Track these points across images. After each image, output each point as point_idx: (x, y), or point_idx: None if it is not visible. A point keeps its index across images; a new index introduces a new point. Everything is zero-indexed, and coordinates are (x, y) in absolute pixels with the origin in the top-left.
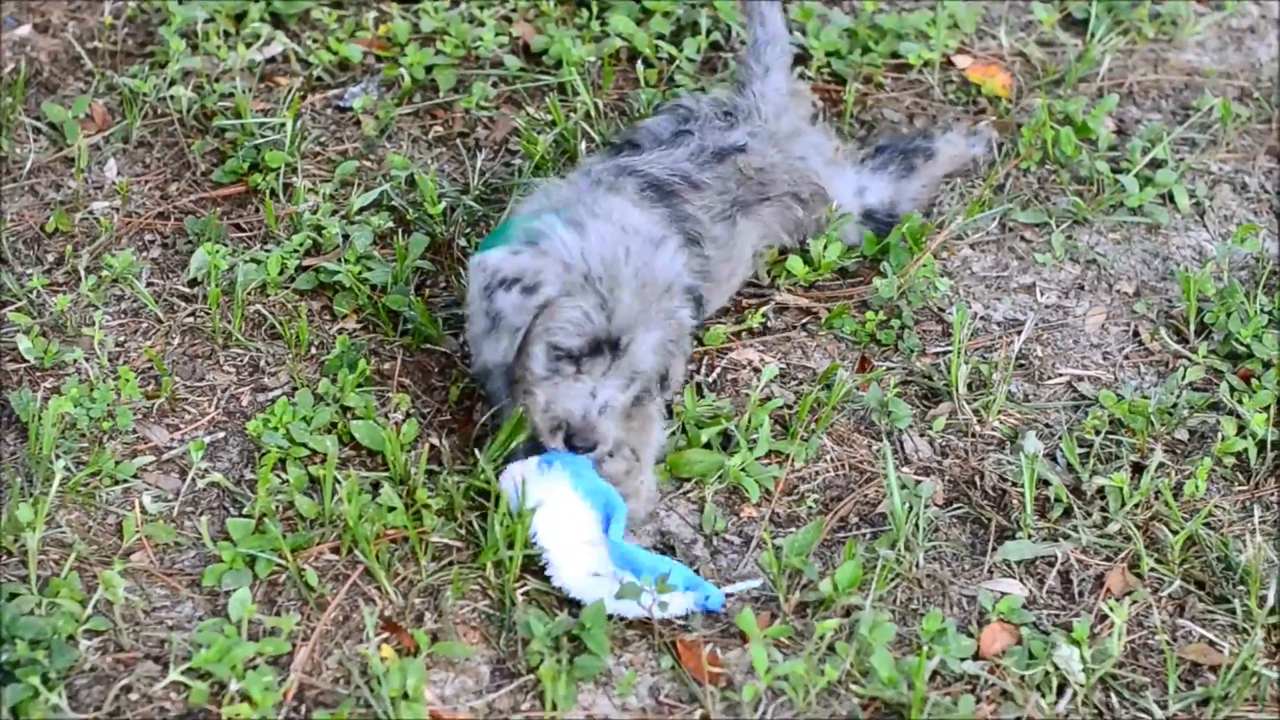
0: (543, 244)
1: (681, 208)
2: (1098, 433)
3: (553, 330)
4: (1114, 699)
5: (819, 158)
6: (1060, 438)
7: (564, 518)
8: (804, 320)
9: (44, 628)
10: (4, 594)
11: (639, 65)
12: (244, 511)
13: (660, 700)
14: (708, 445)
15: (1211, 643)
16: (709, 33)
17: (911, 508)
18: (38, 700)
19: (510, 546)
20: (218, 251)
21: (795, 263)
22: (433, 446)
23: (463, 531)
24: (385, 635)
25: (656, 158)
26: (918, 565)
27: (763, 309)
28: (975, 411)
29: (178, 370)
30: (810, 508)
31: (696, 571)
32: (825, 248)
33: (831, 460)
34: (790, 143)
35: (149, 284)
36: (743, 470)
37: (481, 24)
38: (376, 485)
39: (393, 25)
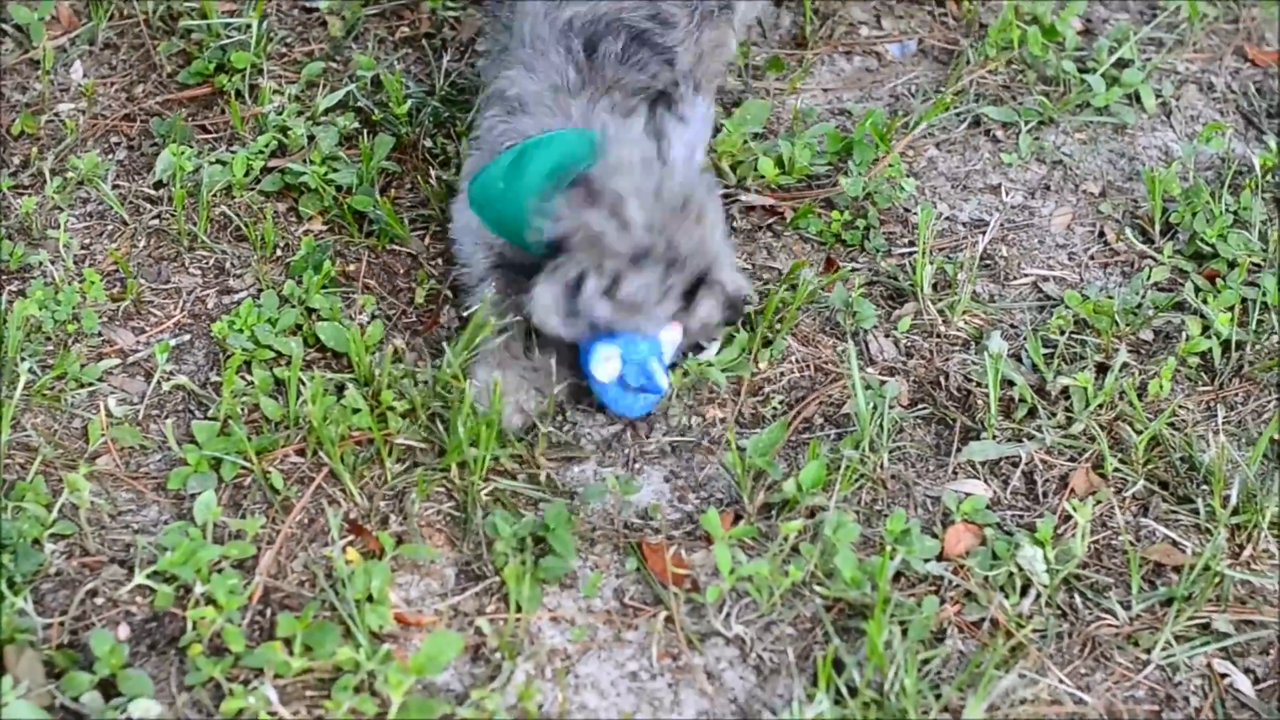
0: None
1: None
2: (1062, 333)
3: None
4: (1078, 599)
5: None
6: (1025, 338)
7: None
8: (770, 221)
9: (9, 532)
10: None
11: None
12: (209, 414)
13: (625, 602)
14: None
15: (1175, 543)
16: None
17: (876, 408)
18: (3, 604)
19: (474, 446)
20: (183, 153)
21: (765, 164)
22: (397, 348)
23: (427, 434)
24: (350, 538)
25: None
26: (882, 466)
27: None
28: (940, 312)
29: (143, 273)
30: (775, 409)
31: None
32: (796, 149)
33: (796, 361)
34: None
35: (114, 186)
36: (709, 365)
37: None
38: (341, 387)
39: None
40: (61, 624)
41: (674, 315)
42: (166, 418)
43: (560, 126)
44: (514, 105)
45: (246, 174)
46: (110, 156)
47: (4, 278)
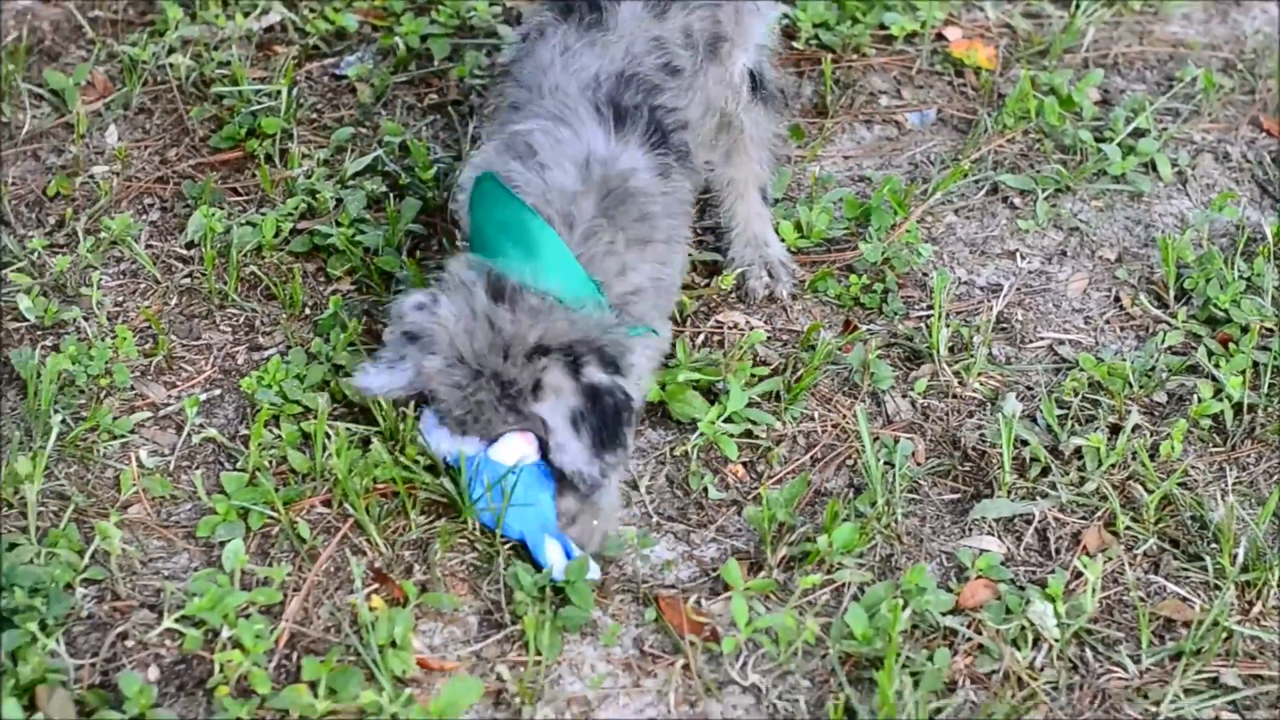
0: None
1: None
2: (1076, 394)
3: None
4: (1088, 653)
5: None
6: (1040, 399)
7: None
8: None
9: (42, 576)
10: (3, 544)
11: None
12: (238, 466)
13: (644, 650)
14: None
15: (1184, 599)
16: None
17: (892, 466)
18: (35, 646)
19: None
20: (214, 215)
21: (786, 228)
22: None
23: (450, 486)
24: (375, 586)
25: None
26: (897, 522)
27: (739, 270)
28: (956, 373)
29: (175, 329)
30: (793, 466)
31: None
32: (815, 214)
33: (816, 420)
34: None
35: (147, 246)
36: (728, 421)
37: None
38: (367, 441)
39: None
40: (93, 665)
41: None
42: (196, 469)
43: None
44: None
45: (276, 235)
46: (143, 217)
47: (39, 333)
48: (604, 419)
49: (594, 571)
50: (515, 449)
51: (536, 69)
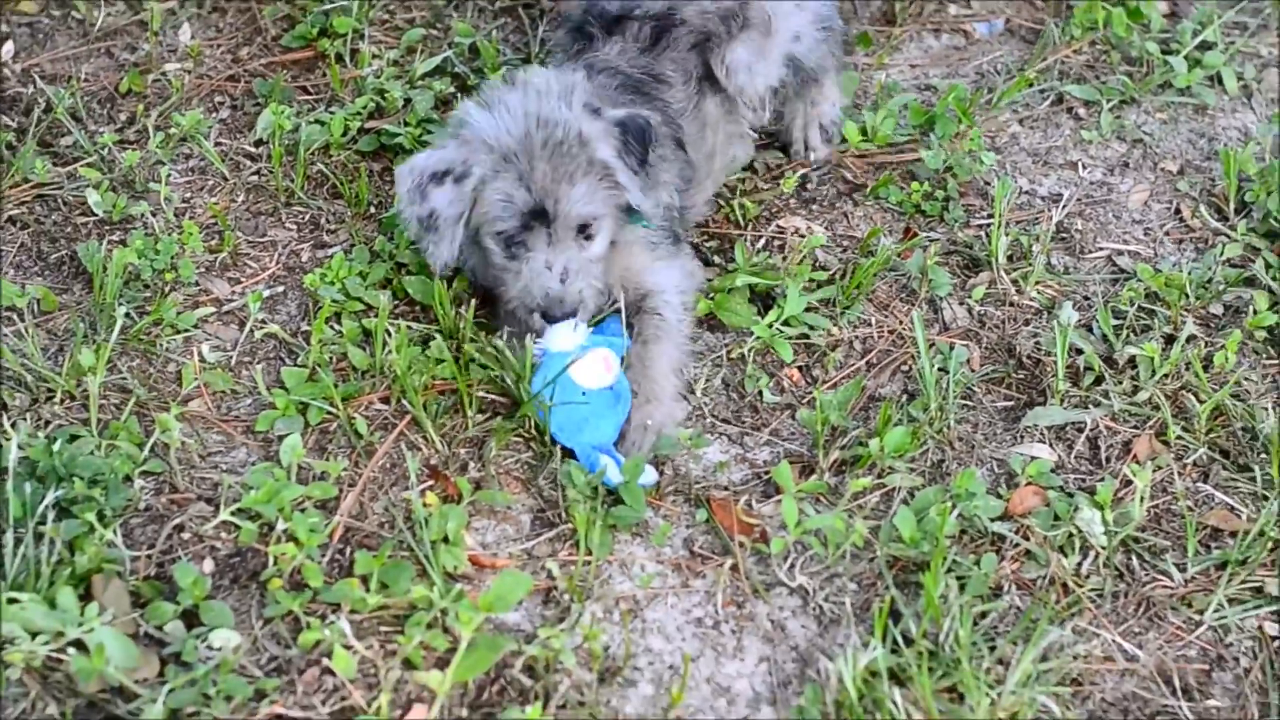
0: (463, 131)
1: (661, 107)
2: (1133, 304)
3: (490, 219)
4: (1134, 561)
5: None
6: (1096, 309)
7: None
8: (851, 190)
9: (102, 467)
10: (65, 435)
11: None
12: (298, 361)
13: (694, 551)
14: (752, 301)
15: (1232, 508)
16: None
17: (946, 372)
18: (93, 536)
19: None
20: (283, 112)
21: (850, 129)
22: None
23: (506, 385)
24: (429, 483)
25: (615, 52)
26: (949, 428)
27: (801, 173)
28: (1014, 281)
29: (240, 226)
30: (848, 370)
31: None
32: (880, 119)
33: (872, 325)
34: None
35: (216, 143)
36: (785, 325)
37: None
38: (427, 339)
39: None
40: (149, 557)
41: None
42: (257, 364)
43: None
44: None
45: (344, 134)
46: (213, 115)
47: (106, 228)
48: (639, 139)
49: (650, 476)
50: (593, 370)
51: None
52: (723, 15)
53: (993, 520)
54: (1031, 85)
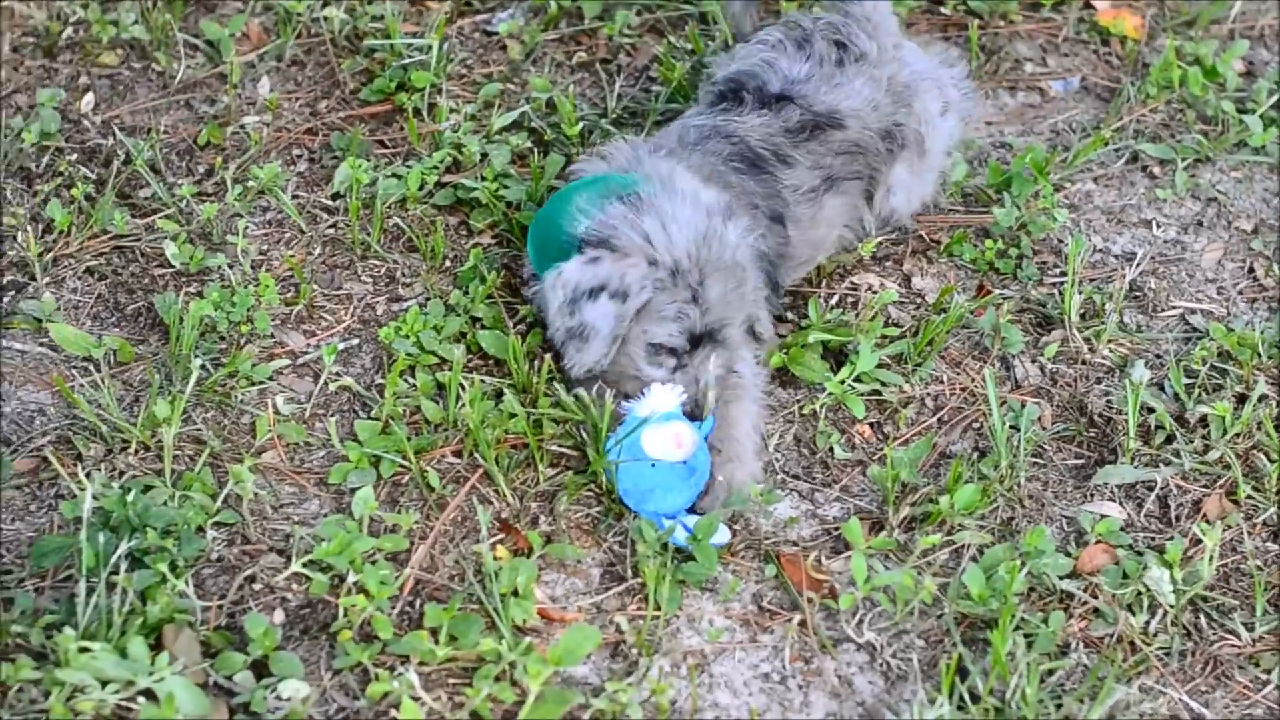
0: (618, 243)
1: (769, 183)
2: (1205, 363)
3: (651, 331)
4: (1202, 620)
5: (933, 103)
6: (1168, 367)
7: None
8: (925, 248)
9: (175, 518)
10: (139, 485)
11: None
12: (372, 414)
13: (762, 606)
14: (825, 357)
15: None
16: None
17: (1017, 429)
18: (165, 586)
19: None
20: (360, 166)
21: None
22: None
23: (577, 440)
24: (500, 536)
25: (756, 124)
26: (1019, 485)
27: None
28: (1086, 339)
29: (316, 279)
30: (919, 427)
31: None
32: (955, 170)
33: (944, 382)
34: (904, 90)
35: (293, 196)
36: (857, 381)
37: None
38: (499, 393)
39: None
40: (220, 607)
41: (675, 366)
42: (331, 416)
43: None
44: None
45: (420, 187)
46: (291, 168)
47: (183, 280)
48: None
49: (723, 535)
50: (663, 442)
51: None
52: (882, 133)
53: (1061, 578)
54: (1107, 144)
